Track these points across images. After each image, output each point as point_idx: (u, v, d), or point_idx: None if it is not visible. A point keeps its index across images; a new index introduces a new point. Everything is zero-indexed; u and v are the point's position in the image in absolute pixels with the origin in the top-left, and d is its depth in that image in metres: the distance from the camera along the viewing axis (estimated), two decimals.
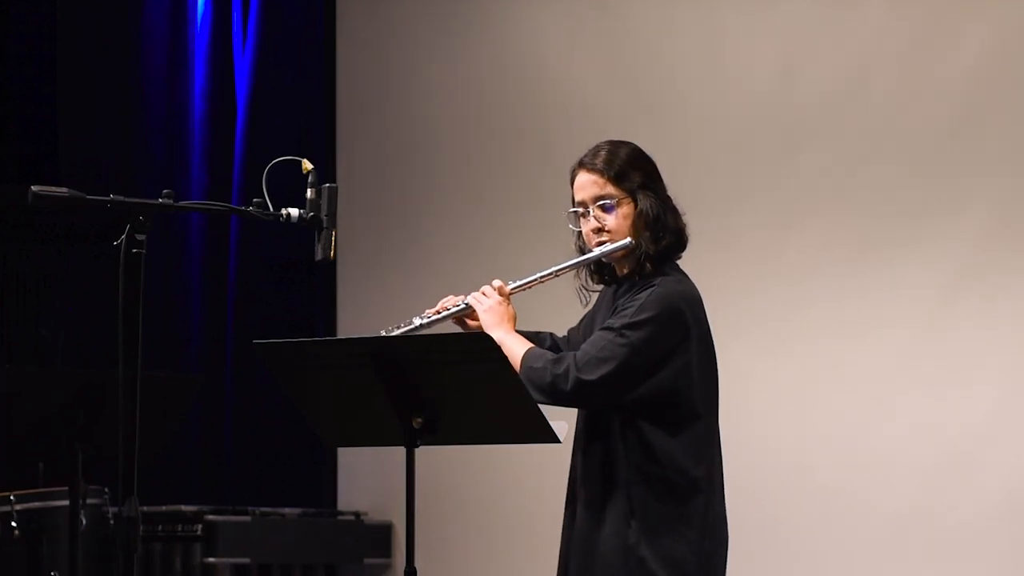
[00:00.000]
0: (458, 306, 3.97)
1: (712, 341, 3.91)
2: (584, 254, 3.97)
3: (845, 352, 6.27)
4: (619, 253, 3.92)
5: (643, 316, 3.79)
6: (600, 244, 3.92)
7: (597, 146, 3.98)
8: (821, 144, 6.39)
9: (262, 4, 7.84)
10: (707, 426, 3.86)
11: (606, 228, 3.90)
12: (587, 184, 3.93)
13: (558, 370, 3.77)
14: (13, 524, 5.14)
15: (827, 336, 6.31)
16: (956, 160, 6.15)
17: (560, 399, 3.78)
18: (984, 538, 5.99)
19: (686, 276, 3.93)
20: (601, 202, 3.91)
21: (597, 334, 3.84)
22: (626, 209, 3.90)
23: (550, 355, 3.84)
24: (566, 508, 3.95)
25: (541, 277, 3.95)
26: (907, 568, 6.11)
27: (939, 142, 6.18)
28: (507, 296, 3.92)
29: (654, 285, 3.84)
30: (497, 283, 3.93)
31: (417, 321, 3.97)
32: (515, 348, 3.85)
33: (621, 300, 3.89)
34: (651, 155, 3.98)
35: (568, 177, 3.99)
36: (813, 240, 6.37)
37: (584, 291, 4.05)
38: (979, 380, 6.04)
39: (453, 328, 4.03)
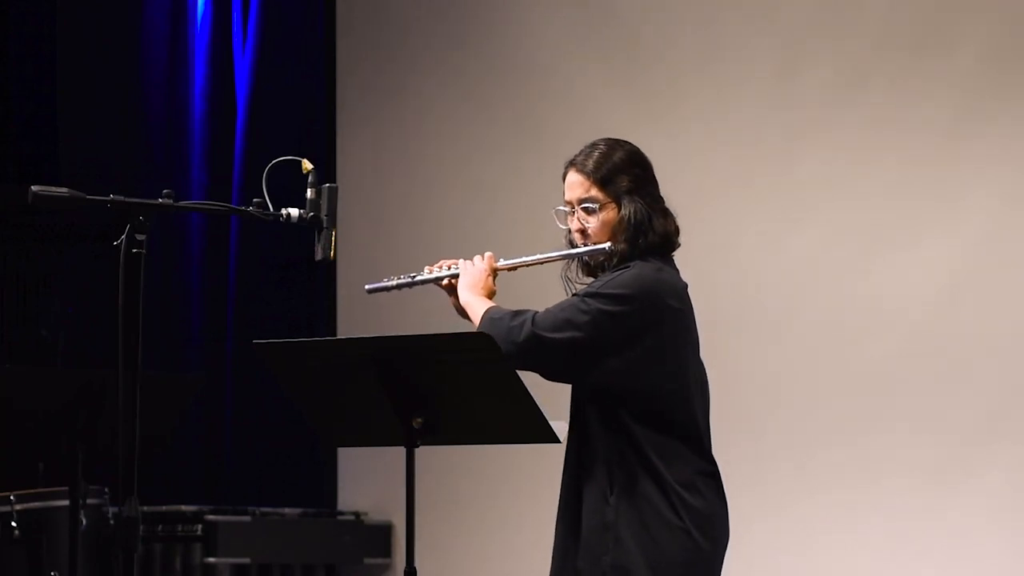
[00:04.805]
0: (452, 268, 3.98)
1: (695, 330, 3.87)
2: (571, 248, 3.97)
3: (845, 351, 6.27)
4: (598, 256, 3.92)
5: (613, 290, 3.77)
6: (584, 244, 3.93)
7: (592, 144, 3.96)
8: (821, 143, 6.39)
9: (262, 4, 7.84)
10: (687, 419, 3.79)
11: (588, 230, 3.91)
12: (574, 185, 3.93)
13: (515, 322, 3.75)
14: (13, 524, 5.13)
15: (827, 335, 6.31)
16: (956, 159, 6.15)
17: (512, 352, 3.71)
18: (984, 536, 5.99)
19: (669, 267, 3.88)
20: (585, 204, 3.90)
21: (566, 299, 3.84)
22: (609, 214, 3.88)
23: (512, 311, 3.80)
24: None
25: (527, 262, 3.95)
26: (906, 567, 6.11)
27: (938, 141, 6.18)
28: (493, 270, 3.93)
29: (629, 267, 3.83)
30: (488, 255, 3.95)
31: (411, 276, 4.00)
32: (478, 307, 3.87)
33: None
34: (648, 154, 3.96)
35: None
36: (812, 240, 6.37)
37: (569, 282, 4.00)
38: (979, 378, 6.05)
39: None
